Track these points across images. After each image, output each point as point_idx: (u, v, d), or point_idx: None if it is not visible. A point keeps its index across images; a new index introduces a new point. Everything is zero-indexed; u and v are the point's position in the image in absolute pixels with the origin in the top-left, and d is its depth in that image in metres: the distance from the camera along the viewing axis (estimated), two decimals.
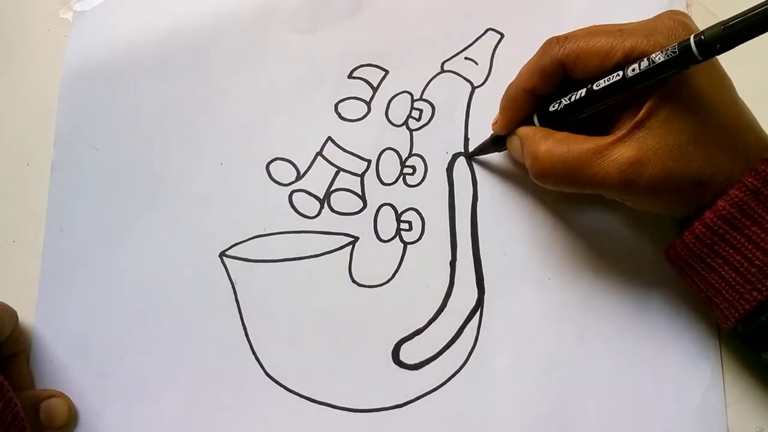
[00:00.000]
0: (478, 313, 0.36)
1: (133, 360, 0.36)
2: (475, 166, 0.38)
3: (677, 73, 0.29)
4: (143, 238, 0.38)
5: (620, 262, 0.36)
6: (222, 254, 0.37)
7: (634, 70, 0.29)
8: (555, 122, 0.33)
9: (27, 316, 0.37)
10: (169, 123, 0.39)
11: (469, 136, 0.38)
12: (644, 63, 0.29)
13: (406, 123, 0.39)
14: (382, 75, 0.39)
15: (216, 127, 0.39)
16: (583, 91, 0.31)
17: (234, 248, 0.37)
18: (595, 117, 0.32)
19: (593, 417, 0.34)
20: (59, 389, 0.36)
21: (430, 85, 0.39)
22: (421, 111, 0.39)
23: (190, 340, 0.36)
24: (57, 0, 0.42)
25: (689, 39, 0.27)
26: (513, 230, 0.37)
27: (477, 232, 0.37)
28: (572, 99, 0.32)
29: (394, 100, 0.39)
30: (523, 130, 0.34)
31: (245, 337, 0.36)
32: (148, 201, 0.38)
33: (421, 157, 0.38)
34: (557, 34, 0.32)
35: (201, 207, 0.38)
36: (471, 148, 0.38)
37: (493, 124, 0.36)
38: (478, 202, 0.37)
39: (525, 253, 0.36)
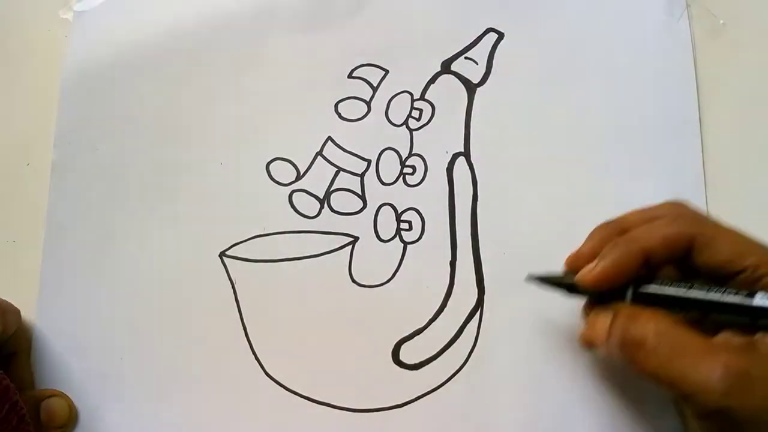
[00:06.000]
0: (478, 313, 0.36)
1: (133, 360, 0.36)
2: (475, 166, 0.38)
3: None
4: (143, 238, 0.38)
5: None
6: (222, 254, 0.37)
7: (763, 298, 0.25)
8: (643, 304, 0.28)
9: (27, 315, 0.37)
10: (169, 123, 0.39)
11: (469, 136, 0.38)
12: None
13: (406, 123, 0.39)
14: (382, 75, 0.39)
15: (216, 127, 0.39)
16: (704, 292, 0.26)
17: (234, 248, 0.37)
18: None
19: (593, 417, 0.34)
20: (60, 389, 0.36)
21: (430, 84, 0.39)
22: (421, 111, 0.39)
23: (190, 340, 0.36)
24: (57, 0, 0.42)
25: None
26: (513, 230, 0.37)
27: (477, 232, 0.37)
28: (688, 293, 0.27)
29: (394, 99, 0.39)
30: (625, 308, 0.28)
31: (245, 337, 0.36)
32: (147, 201, 0.38)
33: (421, 157, 0.38)
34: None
35: (201, 207, 0.38)
36: (472, 148, 0.38)
37: (585, 273, 0.29)
38: (478, 202, 0.37)
39: (525, 253, 0.36)
